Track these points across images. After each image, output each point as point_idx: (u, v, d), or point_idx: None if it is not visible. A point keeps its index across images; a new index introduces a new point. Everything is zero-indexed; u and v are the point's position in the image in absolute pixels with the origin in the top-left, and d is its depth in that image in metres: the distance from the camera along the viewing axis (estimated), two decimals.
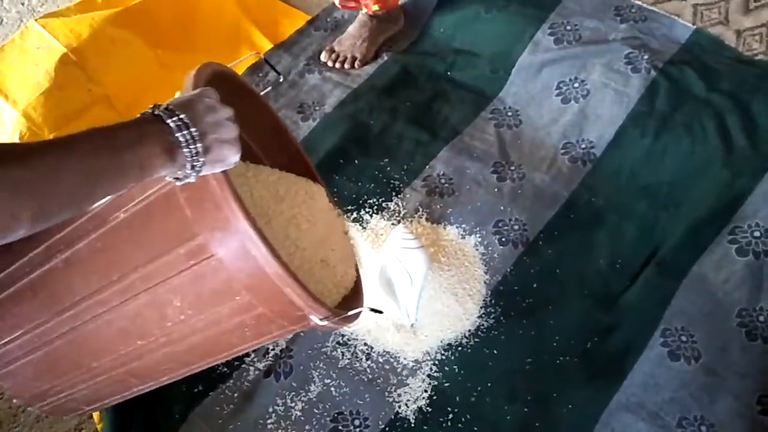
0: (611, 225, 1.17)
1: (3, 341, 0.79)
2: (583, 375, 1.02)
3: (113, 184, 0.53)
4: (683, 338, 1.03)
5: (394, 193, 1.23)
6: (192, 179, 0.60)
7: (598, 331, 1.06)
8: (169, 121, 0.56)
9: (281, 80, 1.38)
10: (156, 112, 0.56)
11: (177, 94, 0.69)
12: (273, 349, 1.08)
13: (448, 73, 1.41)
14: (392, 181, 1.25)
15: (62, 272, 0.75)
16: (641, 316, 1.06)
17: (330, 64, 1.43)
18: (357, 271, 0.95)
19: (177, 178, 0.59)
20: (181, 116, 0.56)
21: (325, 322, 0.74)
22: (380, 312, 0.89)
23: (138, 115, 0.57)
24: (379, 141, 1.31)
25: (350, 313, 0.80)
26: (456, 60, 1.43)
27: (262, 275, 0.67)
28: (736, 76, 1.28)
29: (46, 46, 1.32)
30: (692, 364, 1.01)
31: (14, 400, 0.86)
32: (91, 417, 1.03)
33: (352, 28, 1.44)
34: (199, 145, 0.57)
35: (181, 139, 0.56)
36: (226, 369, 1.06)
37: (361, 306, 0.87)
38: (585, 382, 1.02)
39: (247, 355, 1.07)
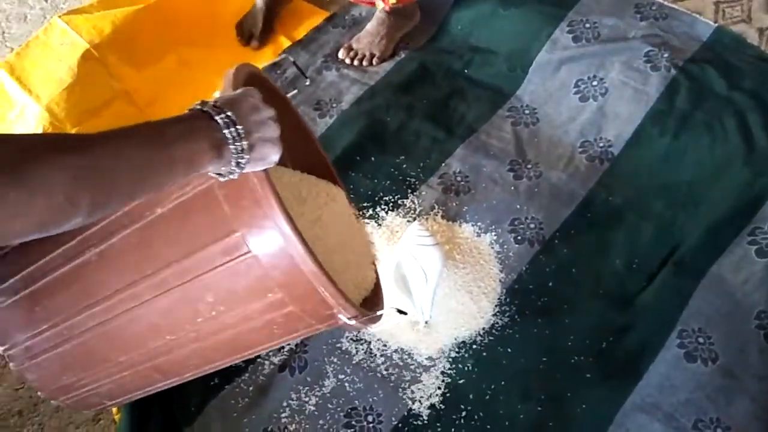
0: (629, 224, 1.16)
1: (31, 333, 0.80)
2: (598, 375, 1.02)
3: (163, 177, 0.54)
4: (700, 339, 1.02)
5: (410, 191, 1.24)
6: (235, 176, 0.61)
7: (613, 331, 1.05)
8: (217, 117, 0.57)
9: (307, 83, 1.39)
10: (204, 109, 0.58)
11: (216, 94, 0.71)
12: (288, 344, 1.09)
13: (465, 71, 1.41)
14: (408, 179, 1.25)
15: (95, 266, 0.76)
16: (658, 316, 1.05)
17: (348, 61, 1.44)
18: (376, 272, 0.96)
19: (219, 174, 0.61)
20: (229, 113, 0.58)
21: (353, 322, 0.75)
22: (405, 313, 0.90)
23: (186, 111, 0.58)
24: (396, 138, 1.32)
25: (378, 313, 0.82)
26: (473, 57, 1.43)
27: (297, 273, 0.68)
28: (758, 75, 1.27)
29: (69, 42, 1.34)
30: (709, 366, 1.00)
31: (38, 393, 0.87)
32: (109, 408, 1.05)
33: (369, 26, 1.44)
34: (244, 142, 0.58)
35: (228, 136, 0.57)
36: (241, 363, 1.08)
37: (382, 306, 0.88)
38: (600, 382, 1.01)
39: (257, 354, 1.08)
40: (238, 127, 0.58)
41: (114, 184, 0.49)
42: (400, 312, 0.91)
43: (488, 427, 0.99)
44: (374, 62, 1.43)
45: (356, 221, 1.00)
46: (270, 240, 0.67)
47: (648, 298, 1.08)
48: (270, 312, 0.74)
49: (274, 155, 0.63)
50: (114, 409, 1.04)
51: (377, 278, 0.95)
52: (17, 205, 0.42)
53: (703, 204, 1.16)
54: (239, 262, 0.70)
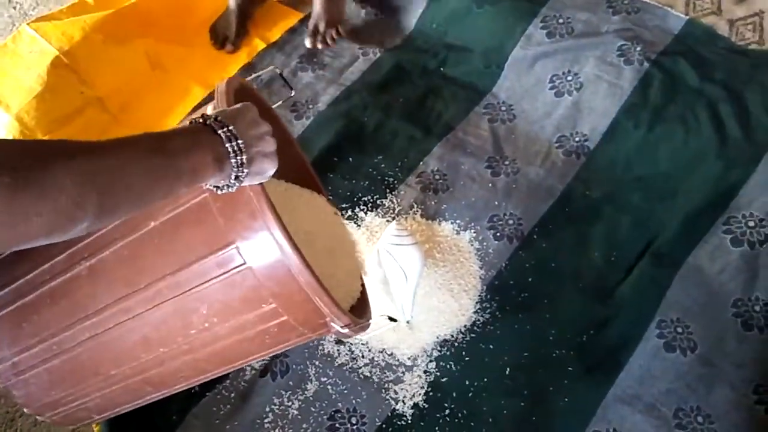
0: (606, 218, 1.17)
1: (18, 349, 0.79)
2: (580, 368, 1.02)
3: (169, 187, 0.54)
4: (679, 329, 1.03)
5: (388, 190, 1.23)
6: (232, 189, 0.61)
7: (593, 324, 1.06)
8: (219, 131, 0.58)
9: (292, 94, 1.39)
10: (208, 122, 0.58)
11: (209, 109, 0.71)
12: None
13: (441, 69, 1.41)
14: (386, 178, 1.25)
15: (86, 280, 0.75)
16: (636, 308, 1.06)
17: (320, 46, 1.44)
18: (362, 280, 0.96)
19: (217, 187, 0.61)
20: (230, 128, 0.58)
21: (346, 330, 0.75)
22: (395, 320, 0.90)
23: (187, 123, 0.59)
24: (373, 138, 1.31)
25: (370, 321, 0.83)
26: (448, 55, 1.43)
27: (292, 283, 0.68)
28: (729, 66, 1.28)
29: (38, 49, 1.32)
30: (688, 356, 1.01)
31: (25, 409, 0.86)
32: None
33: (316, 5, 1.43)
34: (244, 156, 0.59)
35: (230, 150, 0.58)
36: None
37: (369, 313, 0.88)
38: (581, 375, 1.02)
39: None
40: (239, 141, 0.58)
41: (121, 190, 0.49)
42: (391, 319, 0.92)
43: (472, 424, 0.99)
44: (342, 33, 1.45)
45: (341, 228, 1.00)
46: (266, 251, 0.67)
47: (627, 290, 1.09)
48: (263, 322, 0.74)
49: (270, 170, 0.64)
50: None
51: (363, 286, 0.95)
52: (25, 208, 0.42)
53: (679, 195, 1.17)
54: (234, 273, 0.70)
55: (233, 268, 0.70)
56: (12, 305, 0.78)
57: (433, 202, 1.21)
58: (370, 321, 0.86)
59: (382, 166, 1.26)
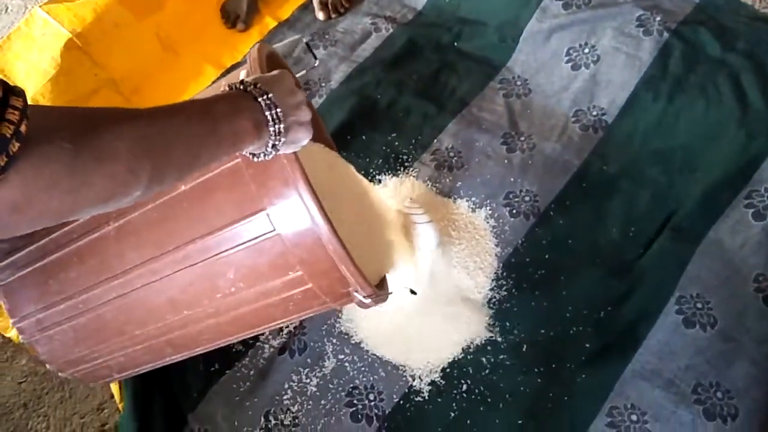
0: (624, 192, 1.15)
1: (43, 306, 0.81)
2: (597, 344, 1.02)
3: (213, 153, 0.54)
4: (699, 305, 1.02)
5: (402, 168, 1.23)
6: (269, 157, 0.61)
7: (611, 300, 1.05)
8: (260, 99, 0.57)
9: (317, 64, 1.38)
10: (248, 89, 0.58)
11: (242, 74, 0.70)
12: (287, 327, 1.09)
13: (455, 44, 1.39)
14: (401, 156, 1.24)
15: (114, 240, 0.76)
16: (655, 283, 1.05)
17: (334, 15, 1.44)
18: (388, 249, 0.96)
19: (253, 155, 0.61)
20: (270, 95, 0.58)
21: (368, 300, 0.76)
22: (415, 293, 0.90)
23: (227, 89, 0.58)
24: (387, 115, 1.30)
25: (391, 291, 0.84)
26: (462, 30, 1.40)
27: (320, 252, 0.69)
28: (752, 35, 1.24)
29: (51, 32, 1.32)
30: (708, 331, 1.00)
31: (47, 366, 0.88)
32: (112, 397, 1.06)
33: None
34: (281, 125, 0.59)
35: (269, 117, 0.58)
36: (241, 347, 1.08)
37: (387, 285, 0.89)
38: (599, 351, 1.01)
39: (261, 333, 1.09)
40: (278, 109, 0.58)
41: (172, 156, 0.49)
42: (412, 292, 0.92)
43: (489, 400, 0.99)
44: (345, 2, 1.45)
45: (367, 191, 0.99)
46: (296, 219, 0.68)
47: (645, 265, 1.07)
48: (289, 289, 0.75)
49: (305, 139, 0.63)
50: (117, 397, 1.05)
51: (384, 254, 0.95)
52: (85, 173, 0.41)
53: (699, 169, 1.14)
54: (263, 240, 0.71)
55: (262, 234, 0.71)
56: (38, 263, 0.80)
57: (447, 180, 1.20)
58: (391, 292, 0.86)
59: (396, 143, 1.25)
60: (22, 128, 0.37)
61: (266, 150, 0.60)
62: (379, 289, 0.83)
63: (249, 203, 0.70)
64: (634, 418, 0.95)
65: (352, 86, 1.34)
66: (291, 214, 0.69)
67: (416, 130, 1.27)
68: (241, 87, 0.58)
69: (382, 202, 1.06)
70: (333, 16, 1.44)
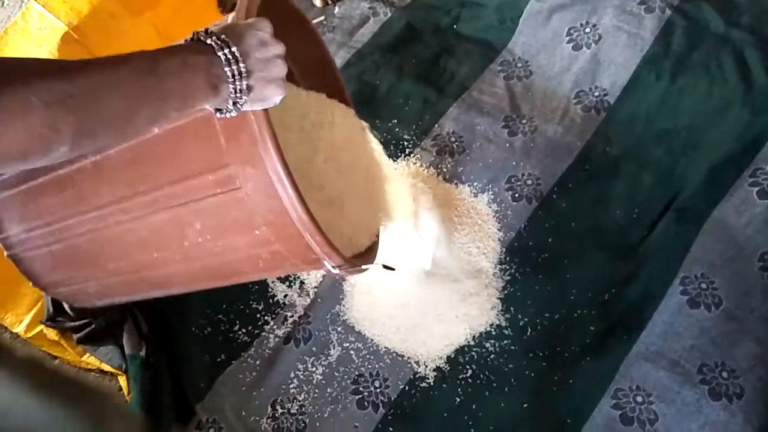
0: (628, 174, 1.14)
1: (25, 228, 0.84)
2: (602, 327, 1.02)
3: (155, 110, 0.50)
4: (703, 285, 1.02)
5: (403, 154, 1.22)
6: (232, 114, 0.58)
7: (615, 283, 1.05)
8: (219, 53, 0.53)
9: (336, 10, 1.38)
10: (208, 41, 0.53)
11: (230, 18, 0.65)
12: (291, 316, 1.09)
13: (454, 27, 1.37)
14: (401, 142, 1.23)
15: (90, 174, 0.77)
16: (660, 265, 1.04)
17: (330, 2, 1.43)
18: (380, 213, 0.94)
19: (218, 110, 0.58)
20: (233, 49, 0.53)
21: (337, 271, 0.75)
22: (392, 269, 0.89)
23: (187, 39, 0.54)
24: (387, 101, 1.29)
25: (363, 267, 0.81)
26: (461, 12, 1.38)
27: (284, 216, 0.67)
28: (756, 9, 1.22)
29: (47, 26, 1.31)
30: (713, 311, 0.99)
31: (31, 284, 0.91)
32: (120, 390, 1.07)
33: None
34: (245, 82, 0.55)
35: (228, 73, 0.54)
36: (246, 338, 1.09)
37: (375, 252, 0.88)
38: (604, 334, 1.01)
39: (266, 323, 1.09)
40: (240, 65, 0.54)
41: (101, 113, 0.46)
42: (387, 268, 0.89)
43: (494, 385, 1.00)
44: None
45: (372, 146, 0.96)
46: (262, 179, 0.66)
47: (649, 247, 1.07)
48: (256, 248, 0.74)
49: (276, 97, 0.59)
50: (125, 390, 1.06)
51: (378, 221, 0.93)
52: None
53: (703, 148, 1.13)
54: (229, 195, 0.70)
55: (229, 190, 0.69)
56: (21, 185, 0.82)
57: (449, 165, 1.20)
58: (366, 267, 0.84)
59: (397, 129, 1.25)
60: None
61: (227, 107, 0.56)
62: (368, 254, 0.82)
63: (217, 156, 0.68)
64: (639, 399, 0.95)
65: (351, 72, 1.33)
66: (256, 174, 0.66)
67: (417, 116, 1.26)
68: (203, 37, 0.53)
69: (391, 169, 1.02)
70: (330, 2, 1.43)
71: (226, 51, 0.53)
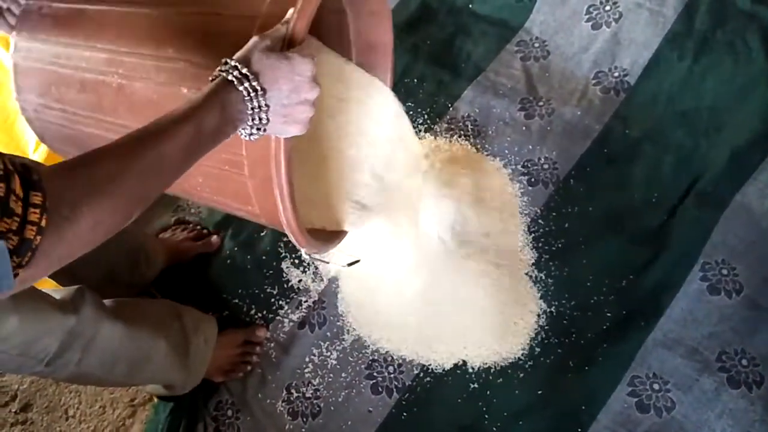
0: (647, 157, 1.12)
1: (43, 103, 0.84)
2: (619, 313, 1.00)
3: (199, 156, 0.56)
4: (724, 271, 1.00)
5: (418, 138, 1.20)
6: (251, 138, 0.59)
7: (633, 269, 1.03)
8: (250, 106, 0.56)
9: None
10: (230, 78, 0.55)
11: (289, 13, 0.63)
12: (306, 301, 1.09)
13: (470, 6, 1.34)
14: (416, 125, 1.22)
15: (113, 92, 0.77)
16: (679, 250, 1.02)
17: None
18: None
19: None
20: (264, 100, 0.56)
21: (303, 249, 0.79)
22: (357, 261, 0.90)
23: (217, 79, 0.56)
24: (401, 83, 1.27)
25: (326, 260, 0.89)
26: None
27: (277, 217, 0.71)
28: None
29: None
30: (733, 298, 0.98)
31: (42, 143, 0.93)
32: (144, 405, 1.08)
33: None
34: (264, 116, 0.57)
35: (249, 108, 0.56)
36: (261, 322, 1.09)
37: (338, 240, 0.88)
38: (621, 320, 1.00)
39: (281, 307, 1.10)
40: (262, 104, 0.56)
41: (162, 178, 0.53)
42: (350, 264, 0.90)
43: (509, 371, 0.99)
44: None
45: (405, 123, 0.94)
46: (266, 188, 0.69)
47: (669, 232, 1.05)
48: (239, 202, 0.77)
49: (294, 132, 0.61)
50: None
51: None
52: (93, 226, 0.47)
53: (726, 130, 1.10)
54: (235, 175, 0.71)
55: (235, 173, 0.71)
56: (48, 66, 0.81)
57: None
58: (326, 258, 0.88)
59: (411, 113, 1.23)
60: (43, 223, 0.42)
61: (244, 133, 0.59)
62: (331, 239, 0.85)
63: (235, 142, 0.67)
64: (656, 387, 0.95)
65: None
66: (262, 184, 0.69)
67: (431, 98, 1.24)
68: (233, 76, 0.55)
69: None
70: None
71: (257, 103, 0.56)
